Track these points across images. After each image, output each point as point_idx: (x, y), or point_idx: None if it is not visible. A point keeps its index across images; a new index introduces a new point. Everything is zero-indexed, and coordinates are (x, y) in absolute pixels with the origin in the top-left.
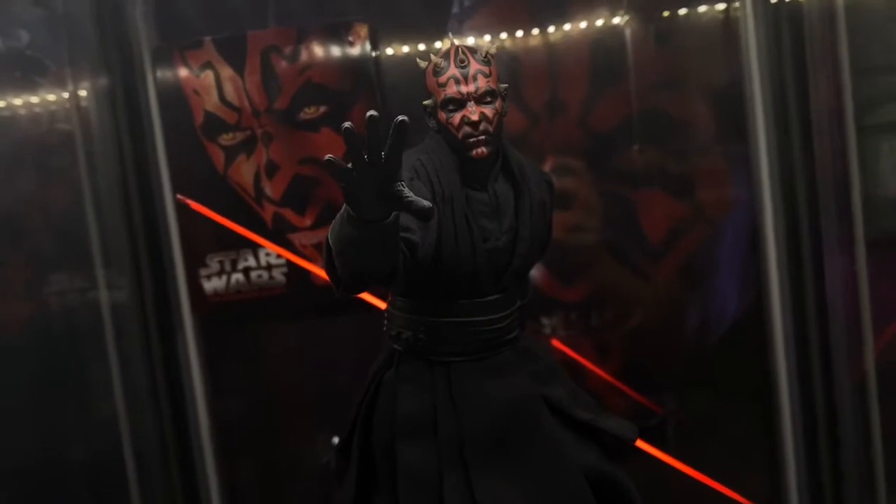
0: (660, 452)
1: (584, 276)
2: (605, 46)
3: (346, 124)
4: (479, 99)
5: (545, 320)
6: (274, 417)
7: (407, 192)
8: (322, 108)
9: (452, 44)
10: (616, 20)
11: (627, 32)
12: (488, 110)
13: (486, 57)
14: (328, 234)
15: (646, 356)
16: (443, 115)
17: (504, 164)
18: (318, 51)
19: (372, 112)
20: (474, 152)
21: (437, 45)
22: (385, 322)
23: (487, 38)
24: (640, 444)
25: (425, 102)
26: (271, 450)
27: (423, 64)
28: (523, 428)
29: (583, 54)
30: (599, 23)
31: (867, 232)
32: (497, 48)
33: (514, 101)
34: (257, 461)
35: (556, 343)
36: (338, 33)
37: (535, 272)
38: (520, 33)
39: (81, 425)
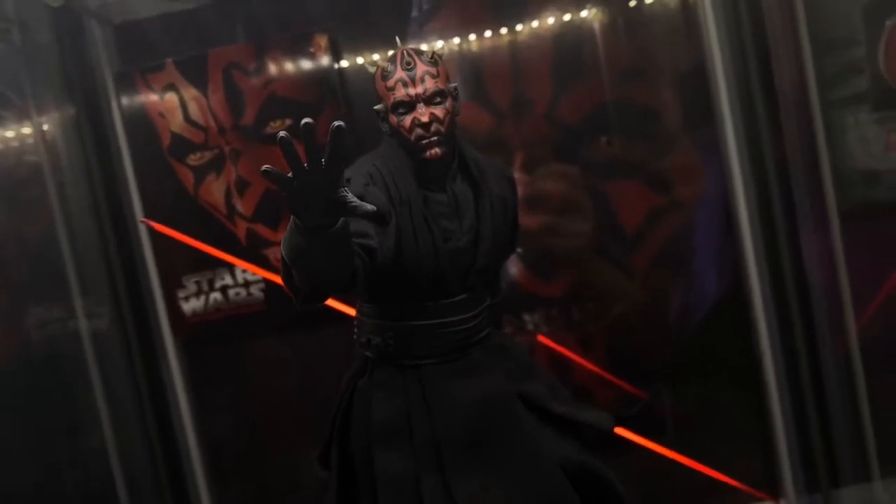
0: (645, 440)
1: (564, 271)
2: (566, 40)
3: (281, 133)
4: (429, 100)
5: (527, 317)
6: (264, 434)
7: (351, 197)
8: (288, 121)
9: (399, 47)
10: (581, 13)
11: (590, 25)
12: (438, 111)
13: (432, 58)
14: (281, 245)
15: (631, 346)
16: (394, 119)
17: (461, 164)
18: (280, 64)
19: (307, 120)
20: (428, 153)
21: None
22: (355, 329)
23: (456, 39)
24: (626, 433)
25: (376, 107)
26: (264, 466)
27: (372, 69)
28: (498, 426)
29: (546, 49)
30: (561, 17)
31: (840, 205)
32: (442, 48)
33: (480, 100)
34: (250, 479)
35: (541, 339)
36: (299, 45)
37: (514, 269)
38: (481, 33)
39: (71, 455)
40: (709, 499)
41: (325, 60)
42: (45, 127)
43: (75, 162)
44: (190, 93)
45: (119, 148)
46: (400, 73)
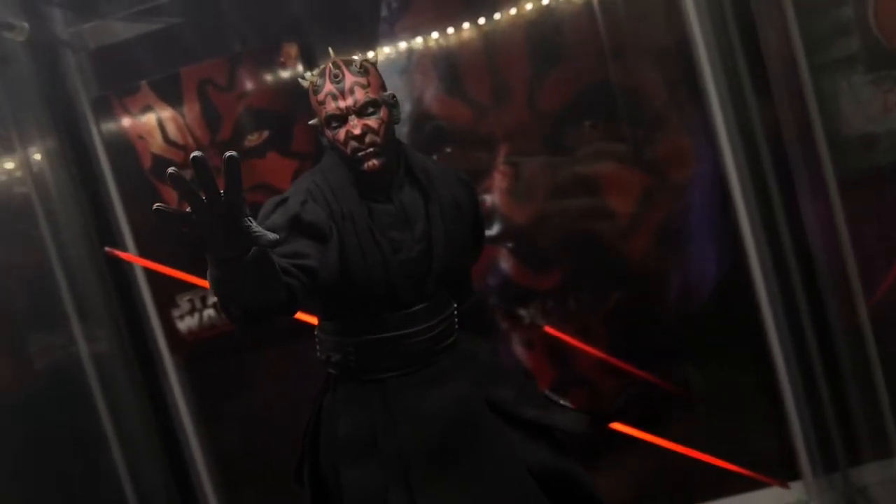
0: (642, 433)
1: (559, 262)
2: (541, 26)
3: (170, 170)
4: (360, 111)
5: (524, 311)
6: (271, 445)
7: (255, 227)
8: (265, 133)
9: (330, 60)
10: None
11: (564, 7)
12: (372, 121)
13: (362, 67)
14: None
15: (633, 333)
16: (329, 134)
17: (408, 171)
18: (252, 76)
19: (195, 153)
20: (366, 165)
21: (370, 54)
22: (317, 347)
23: (435, 35)
24: (624, 428)
25: (311, 122)
26: (273, 478)
27: (305, 84)
28: (465, 435)
29: (521, 37)
30: (535, 2)
31: (839, 173)
32: (375, 56)
33: (459, 95)
34: (260, 492)
35: (548, 329)
36: (268, 56)
37: (507, 265)
38: (454, 26)
39: (83, 479)
40: (717, 485)
41: (295, 69)
42: (31, 158)
43: (63, 190)
44: (167, 113)
45: (103, 173)
46: (329, 87)
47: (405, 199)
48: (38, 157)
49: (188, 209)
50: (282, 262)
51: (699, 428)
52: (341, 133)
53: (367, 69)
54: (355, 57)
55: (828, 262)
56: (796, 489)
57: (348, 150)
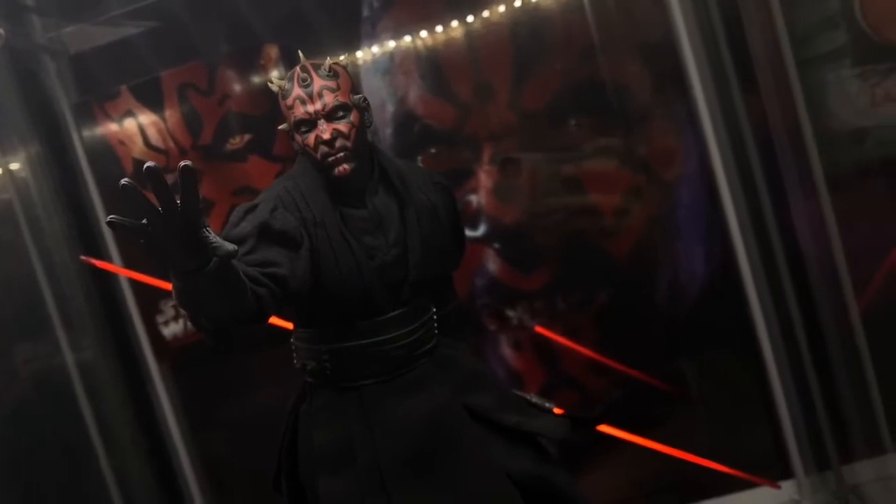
0: (631, 436)
1: (546, 262)
2: (524, 24)
3: (124, 181)
4: (330, 116)
5: (511, 312)
6: (258, 450)
7: (213, 237)
8: (246, 137)
9: (299, 63)
10: None
11: (547, 5)
12: (342, 126)
13: (331, 71)
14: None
15: (623, 331)
16: (299, 138)
17: (382, 176)
18: (233, 80)
19: (149, 164)
20: (336, 171)
21: (359, 53)
22: (294, 355)
23: (418, 34)
24: (612, 430)
25: (280, 127)
26: (260, 483)
27: (273, 88)
28: (443, 443)
29: (504, 35)
30: (517, 3)
31: (827, 169)
32: (345, 59)
33: (442, 95)
34: (248, 497)
35: (539, 329)
36: (249, 59)
37: (494, 266)
38: (437, 26)
39: (70, 487)
40: (709, 485)
41: (277, 71)
42: (13, 164)
43: (45, 197)
44: (148, 118)
45: (85, 180)
46: (297, 91)
47: (379, 203)
48: (19, 163)
49: (144, 221)
50: (250, 271)
51: (690, 426)
52: (311, 138)
53: (336, 72)
54: (325, 60)
55: (817, 259)
56: (788, 488)
57: (318, 155)
